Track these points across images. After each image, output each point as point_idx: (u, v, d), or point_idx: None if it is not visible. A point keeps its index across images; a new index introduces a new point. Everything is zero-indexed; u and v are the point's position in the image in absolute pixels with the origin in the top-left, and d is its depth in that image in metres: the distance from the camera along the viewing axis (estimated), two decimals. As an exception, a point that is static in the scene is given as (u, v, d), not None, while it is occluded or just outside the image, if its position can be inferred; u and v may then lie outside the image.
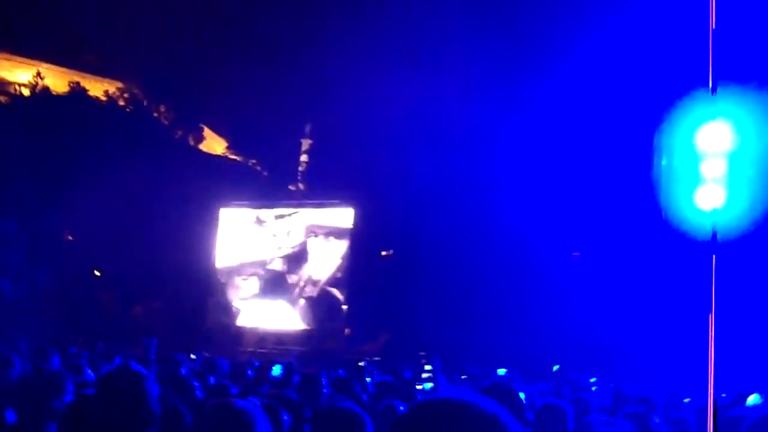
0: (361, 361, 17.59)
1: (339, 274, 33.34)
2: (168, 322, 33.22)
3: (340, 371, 13.39)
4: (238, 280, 34.90)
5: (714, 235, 7.18)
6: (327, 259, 33.71)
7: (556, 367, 18.46)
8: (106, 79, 50.84)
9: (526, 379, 14.28)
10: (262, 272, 34.57)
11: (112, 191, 37.11)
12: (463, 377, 15.57)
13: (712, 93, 10.12)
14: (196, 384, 8.07)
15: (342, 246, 33.47)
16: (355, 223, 33.42)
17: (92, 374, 8.19)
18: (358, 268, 33.41)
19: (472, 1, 34.77)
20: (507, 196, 29.64)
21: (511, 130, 30.14)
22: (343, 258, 33.44)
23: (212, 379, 9.65)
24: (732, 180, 10.84)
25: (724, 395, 9.84)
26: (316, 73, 43.41)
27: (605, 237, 28.04)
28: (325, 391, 8.42)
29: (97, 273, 38.18)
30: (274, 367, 11.38)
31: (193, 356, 16.29)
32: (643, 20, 25.43)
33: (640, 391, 10.61)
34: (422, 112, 34.19)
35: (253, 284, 34.66)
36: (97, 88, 49.35)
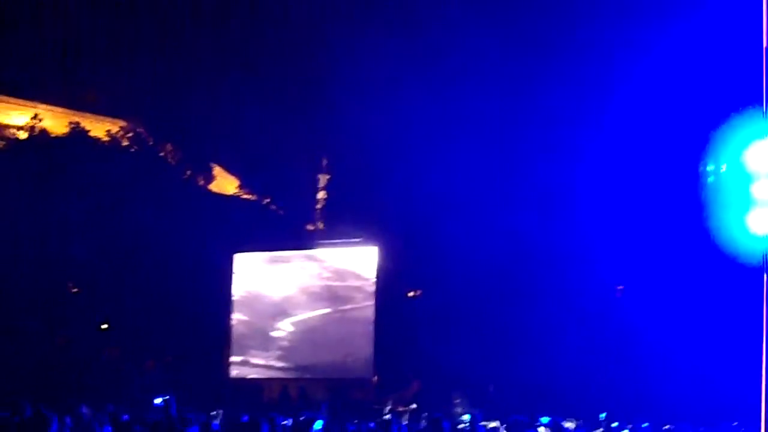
0: (386, 414, 17.60)
1: (366, 317, 33.30)
2: (183, 376, 33.28)
3: (370, 424, 13.39)
4: (256, 330, 34.96)
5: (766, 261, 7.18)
6: (352, 303, 33.71)
7: (602, 415, 18.36)
8: (108, 119, 51.21)
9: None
10: (283, 320, 34.64)
11: (117, 238, 37.38)
12: (504, 426, 15.52)
13: (765, 110, 10.15)
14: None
15: (367, 287, 33.47)
16: (380, 263, 33.42)
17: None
18: (385, 310, 33.38)
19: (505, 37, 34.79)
20: (544, 229, 29.57)
21: (547, 157, 30.14)
22: (368, 300, 33.43)
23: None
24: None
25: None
26: (332, 102, 43.65)
27: (651, 269, 27.90)
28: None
29: (104, 326, 38.30)
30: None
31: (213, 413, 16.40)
32: (694, 37, 25.50)
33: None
34: (451, 140, 34.20)
35: (274, 333, 34.70)
36: (99, 128, 49.70)
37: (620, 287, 30.52)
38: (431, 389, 30.95)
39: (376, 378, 32.87)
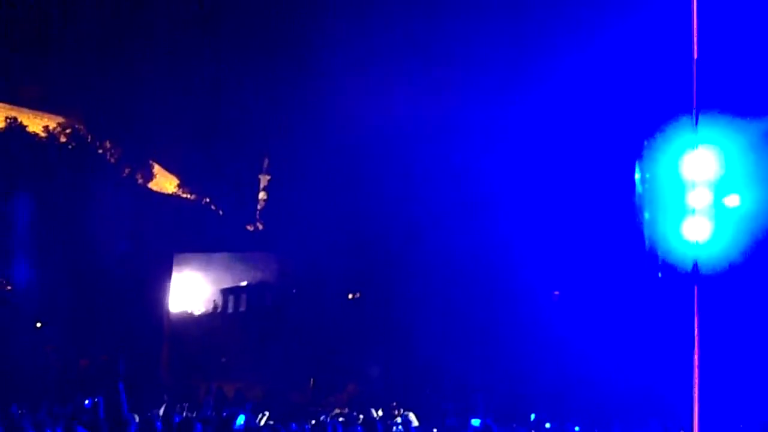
0: (322, 415, 17.57)
1: (302, 320, 33.18)
2: (118, 375, 32.79)
3: (305, 426, 13.35)
4: (194, 329, 34.69)
5: (699, 268, 7.31)
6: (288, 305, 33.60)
7: (533, 417, 18.52)
8: (46, 114, 50.53)
9: (505, 427, 14.32)
10: (221, 319, 34.42)
11: (53, 235, 36.82)
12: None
13: (696, 120, 10.33)
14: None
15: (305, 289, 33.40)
16: (319, 265, 33.32)
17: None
18: (324, 312, 33.26)
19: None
20: (482, 236, 29.74)
21: (491, 162, 30.34)
22: (306, 302, 33.33)
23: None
24: (717, 210, 11.01)
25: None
26: (274, 102, 43.54)
27: (586, 274, 28.17)
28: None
29: (38, 324, 37.70)
30: (238, 417, 11.50)
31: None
32: (626, 48, 25.78)
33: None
34: (394, 144, 34.29)
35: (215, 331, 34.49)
36: (36, 123, 49.05)
37: (556, 292, 30.77)
38: (366, 394, 30.91)
39: (312, 380, 32.76)
